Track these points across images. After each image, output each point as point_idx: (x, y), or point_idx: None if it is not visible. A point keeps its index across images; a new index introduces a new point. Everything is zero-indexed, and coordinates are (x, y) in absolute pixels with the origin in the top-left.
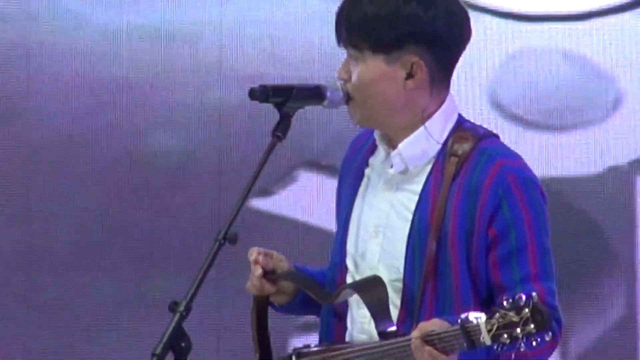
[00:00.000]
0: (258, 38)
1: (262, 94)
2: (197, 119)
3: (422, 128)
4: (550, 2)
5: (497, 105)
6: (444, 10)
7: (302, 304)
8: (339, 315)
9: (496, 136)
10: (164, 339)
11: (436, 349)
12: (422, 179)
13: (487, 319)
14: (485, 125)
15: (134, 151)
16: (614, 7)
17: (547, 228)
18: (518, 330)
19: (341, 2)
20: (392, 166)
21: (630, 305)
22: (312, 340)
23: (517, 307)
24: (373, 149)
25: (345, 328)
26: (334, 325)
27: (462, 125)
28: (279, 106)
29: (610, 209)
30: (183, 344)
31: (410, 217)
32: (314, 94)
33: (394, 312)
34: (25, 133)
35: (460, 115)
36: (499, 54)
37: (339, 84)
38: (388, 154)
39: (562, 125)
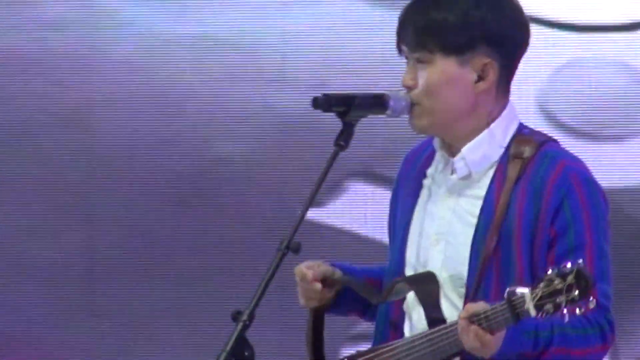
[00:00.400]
0: (319, 46)
1: (324, 103)
2: (259, 129)
3: (485, 132)
4: (599, 13)
5: (548, 116)
6: (510, 14)
7: (346, 302)
8: (395, 324)
9: (556, 142)
10: (227, 348)
11: (482, 329)
12: (485, 183)
13: (531, 289)
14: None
15: (198, 161)
16: None
17: (606, 231)
18: (562, 297)
19: (404, 8)
20: (452, 172)
21: None
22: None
23: (562, 275)
24: (430, 161)
25: (402, 336)
26: (388, 334)
27: (523, 131)
28: (341, 115)
29: None
30: (246, 353)
31: (474, 222)
32: (377, 103)
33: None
34: (90, 143)
35: (520, 122)
36: (548, 64)
37: (401, 92)
38: (447, 162)
39: (614, 135)
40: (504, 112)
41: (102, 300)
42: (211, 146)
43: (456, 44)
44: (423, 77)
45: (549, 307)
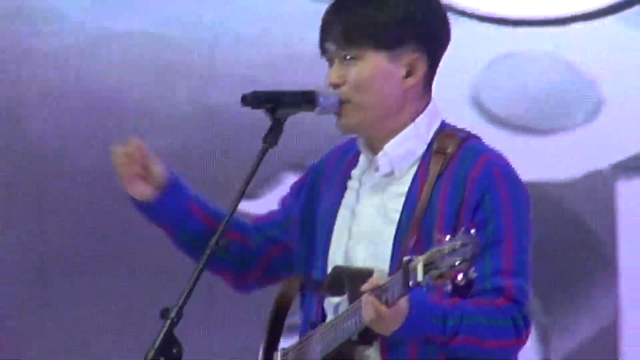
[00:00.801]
0: (251, 41)
1: (253, 100)
2: (189, 124)
3: (409, 127)
4: (532, 7)
5: (481, 109)
6: (437, 11)
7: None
8: (314, 324)
9: (479, 137)
10: (156, 345)
11: (378, 300)
12: (408, 180)
13: (424, 256)
14: (468, 129)
15: None
16: (596, 11)
17: (527, 228)
18: (447, 261)
19: (328, 7)
20: (377, 170)
21: (615, 306)
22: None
23: (452, 242)
24: (355, 161)
25: None
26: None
27: (445, 128)
28: (270, 112)
29: (593, 212)
30: (174, 350)
31: (397, 218)
32: (305, 100)
33: None
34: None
35: (442, 119)
36: (481, 59)
37: (331, 89)
38: (370, 161)
39: (547, 128)
40: (428, 108)
41: (52, 295)
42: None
43: (387, 40)
44: (353, 73)
45: (434, 272)
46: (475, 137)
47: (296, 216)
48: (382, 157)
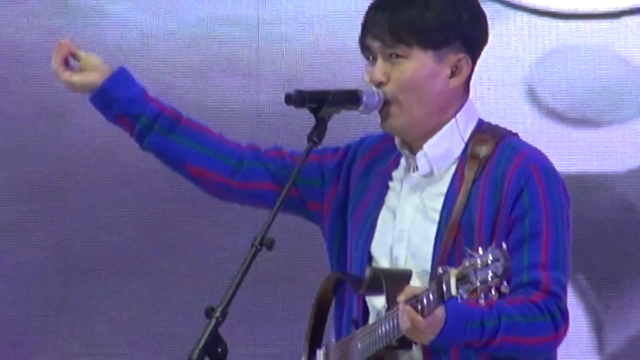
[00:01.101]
0: (295, 40)
1: (297, 99)
2: (234, 122)
3: (446, 127)
4: (584, 1)
5: (536, 103)
6: (479, 11)
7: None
8: (357, 323)
9: (516, 135)
10: (200, 344)
11: (414, 309)
12: (447, 179)
13: (457, 268)
14: (523, 123)
15: None
16: None
17: (565, 221)
18: (479, 277)
19: (371, 5)
20: (414, 170)
21: None
22: None
23: (485, 255)
24: (397, 163)
25: None
26: (349, 332)
27: (482, 127)
28: (314, 111)
29: None
30: (219, 349)
31: (437, 217)
32: (350, 98)
33: None
34: (64, 137)
35: (479, 118)
36: (536, 52)
37: (374, 87)
38: (409, 160)
39: (600, 121)
40: (465, 107)
41: (74, 297)
42: None
43: (434, 40)
44: (398, 71)
45: (467, 287)
46: (512, 135)
47: (329, 197)
48: (421, 158)
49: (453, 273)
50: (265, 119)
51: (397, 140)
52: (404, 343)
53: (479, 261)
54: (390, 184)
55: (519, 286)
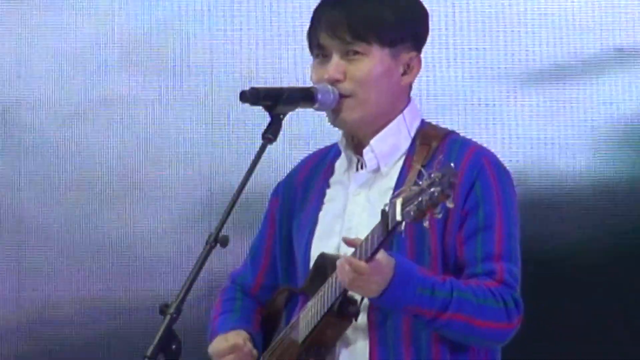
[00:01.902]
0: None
1: (252, 96)
2: (187, 122)
3: (393, 123)
4: None
5: None
6: (424, 12)
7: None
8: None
9: (458, 133)
10: (155, 341)
11: (354, 256)
12: (395, 174)
13: (402, 193)
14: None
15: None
16: None
17: (515, 216)
18: (424, 195)
19: (323, 3)
20: (358, 169)
21: None
22: None
23: (431, 174)
24: (330, 170)
25: None
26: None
27: (425, 125)
28: (269, 109)
29: None
30: (174, 346)
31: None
32: (305, 96)
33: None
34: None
35: (422, 118)
36: None
37: (329, 85)
38: (352, 161)
39: None
40: (410, 105)
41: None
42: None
43: (391, 37)
44: (357, 68)
45: (411, 207)
46: (456, 133)
47: (275, 244)
48: (368, 153)
49: (398, 200)
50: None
51: (342, 141)
52: (345, 312)
53: (425, 182)
54: (327, 191)
55: (473, 276)
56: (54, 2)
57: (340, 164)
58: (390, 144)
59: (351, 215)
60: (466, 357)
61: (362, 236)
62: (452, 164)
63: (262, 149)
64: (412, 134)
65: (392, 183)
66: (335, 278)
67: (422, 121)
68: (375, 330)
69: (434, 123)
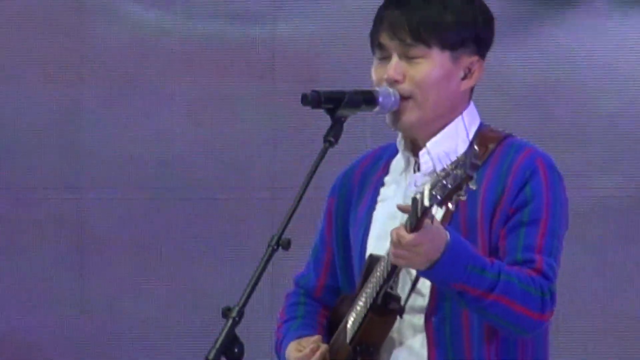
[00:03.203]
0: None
1: (314, 100)
2: (250, 124)
3: (450, 126)
4: None
5: None
6: (490, 15)
7: None
8: None
9: (515, 136)
10: (217, 345)
11: (401, 227)
12: None
13: (429, 182)
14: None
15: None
16: None
17: (563, 217)
18: (449, 179)
19: (385, 4)
20: (416, 171)
21: None
22: None
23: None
24: (386, 169)
25: None
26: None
27: (484, 128)
28: (330, 112)
29: None
30: (236, 350)
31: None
32: (366, 99)
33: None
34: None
35: (481, 121)
36: None
37: (389, 88)
38: (409, 162)
39: None
40: (468, 109)
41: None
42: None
43: (452, 41)
44: (416, 70)
45: (437, 192)
46: (514, 136)
47: (333, 243)
48: (424, 155)
49: (426, 185)
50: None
51: (400, 143)
52: (387, 308)
53: (450, 165)
54: (382, 189)
55: (512, 264)
56: None
57: (397, 163)
58: (446, 147)
59: (405, 217)
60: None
61: None
62: (475, 147)
63: (324, 151)
64: (471, 137)
65: None
66: (375, 276)
67: (481, 124)
68: (434, 332)
69: (492, 126)
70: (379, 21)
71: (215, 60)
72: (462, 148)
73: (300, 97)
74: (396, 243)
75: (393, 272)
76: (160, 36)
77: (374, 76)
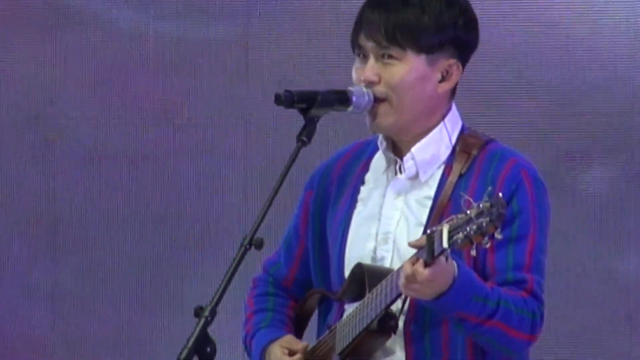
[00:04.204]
0: (284, 41)
1: (287, 99)
2: (224, 123)
3: (434, 131)
4: None
5: None
6: (473, 19)
7: None
8: (330, 327)
9: (499, 142)
10: (189, 344)
11: (416, 260)
12: (434, 183)
13: (449, 221)
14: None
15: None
16: None
17: (547, 230)
18: (472, 225)
19: (366, 4)
20: (397, 173)
21: None
22: None
23: (479, 203)
24: (366, 166)
25: None
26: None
27: (466, 131)
28: (304, 111)
29: None
30: (208, 349)
31: (424, 220)
32: (340, 99)
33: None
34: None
35: (463, 123)
36: None
37: (364, 88)
38: (391, 162)
39: None
40: (450, 113)
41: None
42: (179, 137)
43: (428, 44)
44: (391, 73)
45: (459, 236)
46: (496, 141)
47: (307, 237)
48: (408, 160)
49: (445, 226)
50: (255, 122)
51: (382, 142)
52: (385, 325)
53: (473, 211)
54: (362, 187)
55: (504, 284)
56: None
57: (378, 162)
58: (431, 153)
59: (389, 219)
60: None
61: (400, 243)
62: (500, 195)
63: (297, 151)
64: (453, 142)
65: (432, 192)
66: (375, 294)
67: (463, 127)
68: (413, 343)
69: (473, 129)
70: (359, 22)
71: (188, 61)
72: (445, 154)
73: (273, 96)
74: (411, 277)
75: (397, 298)
76: (133, 36)
77: (354, 76)
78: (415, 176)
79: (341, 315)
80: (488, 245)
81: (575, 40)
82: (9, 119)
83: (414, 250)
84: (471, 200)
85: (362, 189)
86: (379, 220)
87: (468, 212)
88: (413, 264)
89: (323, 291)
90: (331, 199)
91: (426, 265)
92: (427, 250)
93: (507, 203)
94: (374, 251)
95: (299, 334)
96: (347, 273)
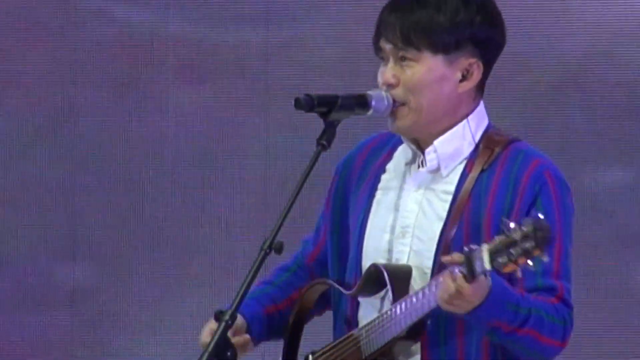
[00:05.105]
0: (303, 47)
1: (307, 103)
2: (245, 128)
3: (458, 126)
4: None
5: None
6: (495, 16)
7: (267, 332)
8: (349, 321)
9: (523, 141)
10: (209, 348)
11: (463, 276)
12: (455, 178)
13: (488, 242)
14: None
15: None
16: None
17: (571, 233)
18: (517, 248)
19: (386, 6)
20: (419, 166)
21: None
22: None
23: (520, 227)
24: (389, 156)
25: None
26: (345, 331)
27: (491, 129)
28: (323, 116)
29: None
30: (229, 353)
31: (444, 215)
32: (359, 103)
33: None
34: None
35: (489, 122)
36: None
37: (382, 91)
38: (414, 155)
39: None
40: (476, 110)
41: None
42: (198, 140)
43: (444, 43)
44: (408, 75)
45: (503, 259)
46: (520, 140)
47: (327, 221)
48: (430, 153)
49: (485, 248)
50: (275, 127)
51: (405, 137)
52: (413, 332)
53: (517, 234)
54: (383, 176)
55: (533, 290)
56: None
57: (401, 154)
58: (453, 147)
59: (408, 212)
60: None
61: (419, 234)
62: (542, 217)
63: (316, 155)
64: (477, 140)
65: (452, 188)
66: (405, 304)
67: (489, 125)
68: (430, 346)
69: (499, 128)
70: (378, 25)
71: (208, 64)
72: (467, 150)
73: (293, 101)
74: (455, 295)
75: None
76: (153, 40)
77: (378, 79)
78: (437, 169)
79: (356, 307)
80: (533, 269)
81: None
82: (25, 120)
83: (432, 244)
84: (511, 223)
85: (383, 177)
86: (397, 211)
87: (509, 233)
88: (454, 280)
89: (326, 281)
90: (353, 186)
91: (466, 281)
92: (467, 270)
93: (531, 206)
94: (390, 243)
95: (298, 321)
96: (364, 263)
